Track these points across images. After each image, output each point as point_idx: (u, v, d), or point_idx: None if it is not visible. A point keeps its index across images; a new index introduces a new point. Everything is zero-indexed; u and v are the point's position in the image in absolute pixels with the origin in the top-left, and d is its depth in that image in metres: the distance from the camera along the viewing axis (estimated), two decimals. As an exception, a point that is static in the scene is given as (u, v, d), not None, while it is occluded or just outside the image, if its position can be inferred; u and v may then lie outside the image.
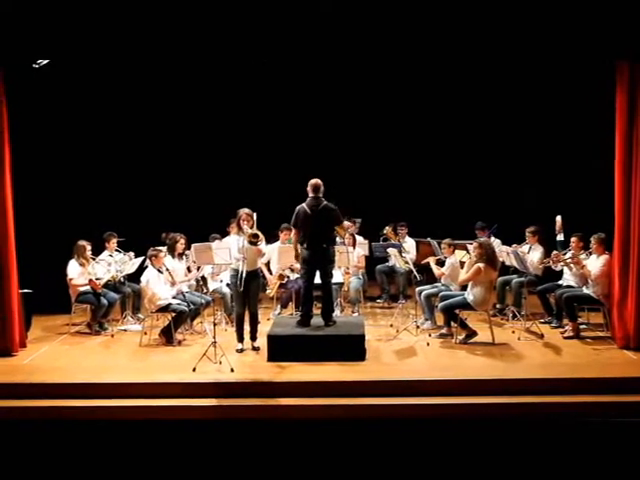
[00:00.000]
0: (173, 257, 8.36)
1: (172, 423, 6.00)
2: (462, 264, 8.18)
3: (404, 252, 8.78)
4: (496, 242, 9.13)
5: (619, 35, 7.07)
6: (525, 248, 8.84)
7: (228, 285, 8.33)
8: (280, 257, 8.73)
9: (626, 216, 7.31)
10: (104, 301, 8.28)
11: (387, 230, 9.49)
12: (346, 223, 8.27)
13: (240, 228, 7.30)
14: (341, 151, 11.01)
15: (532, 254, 8.73)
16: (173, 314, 7.84)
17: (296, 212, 7.49)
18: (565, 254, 8.28)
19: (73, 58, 8.18)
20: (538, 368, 6.84)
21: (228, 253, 7.49)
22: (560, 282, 8.39)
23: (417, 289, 8.54)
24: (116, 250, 8.85)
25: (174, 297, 8.01)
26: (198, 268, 8.39)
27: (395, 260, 8.92)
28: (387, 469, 5.39)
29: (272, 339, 7.17)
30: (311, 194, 7.46)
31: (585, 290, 7.99)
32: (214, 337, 7.03)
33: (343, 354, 7.02)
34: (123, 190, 10.54)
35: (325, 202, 7.43)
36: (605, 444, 5.59)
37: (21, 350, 7.55)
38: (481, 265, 7.63)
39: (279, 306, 9.08)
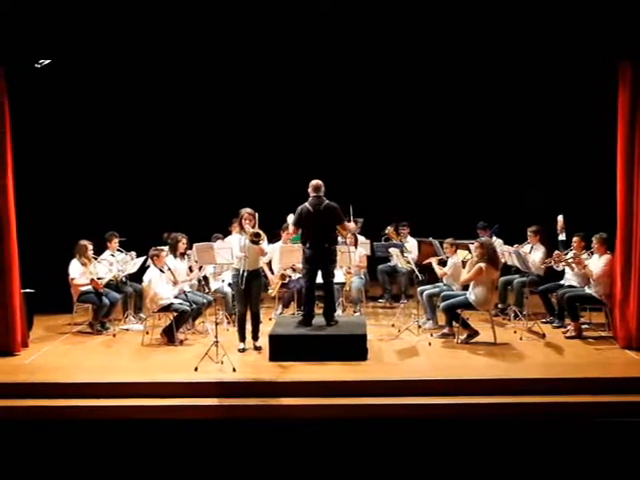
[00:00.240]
0: (175, 257, 8.36)
1: (174, 423, 6.00)
2: (464, 264, 8.18)
3: (406, 252, 8.78)
4: (498, 242, 9.13)
5: (621, 35, 7.06)
6: (527, 248, 8.84)
7: (230, 285, 8.34)
8: (282, 257, 8.73)
9: (628, 216, 7.31)
10: (106, 301, 8.28)
11: (389, 230, 9.48)
12: (351, 225, 8.26)
13: (242, 227, 7.31)
14: (343, 151, 11.01)
15: (534, 254, 8.73)
16: (175, 314, 7.84)
17: (299, 211, 7.49)
18: (567, 254, 8.27)
19: (75, 57, 8.17)
20: (540, 368, 6.84)
21: (230, 253, 7.49)
22: (562, 282, 8.39)
23: (419, 289, 8.53)
24: (118, 250, 8.87)
25: (176, 297, 8.01)
26: (200, 268, 8.40)
27: (397, 260, 8.92)
28: (390, 469, 5.38)
29: (274, 339, 7.17)
30: (312, 194, 7.47)
31: (587, 290, 7.98)
32: (216, 337, 7.03)
33: (345, 354, 7.02)
34: (125, 190, 10.56)
35: (327, 201, 7.45)
36: (607, 444, 5.58)
37: (23, 350, 7.55)
38: (482, 265, 7.62)
39: (281, 306, 9.08)
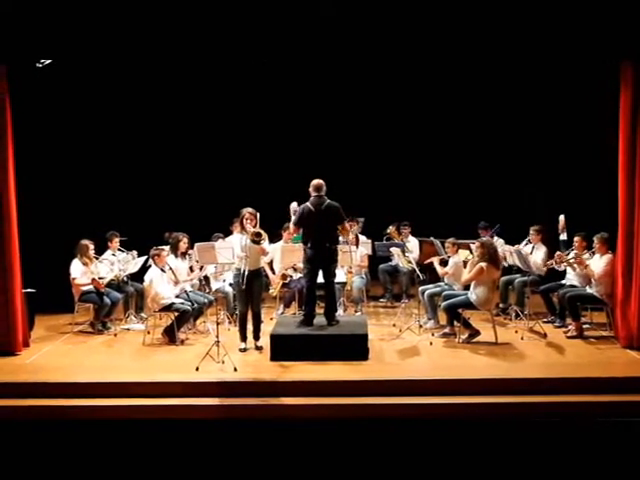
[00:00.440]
0: (176, 256, 8.37)
1: (175, 422, 6.00)
2: (465, 264, 8.18)
3: (407, 251, 8.77)
4: (499, 242, 9.13)
5: (623, 35, 7.06)
6: (528, 248, 8.83)
7: (231, 284, 8.34)
8: (283, 256, 8.73)
9: (629, 216, 7.30)
10: (107, 300, 8.28)
11: (390, 229, 9.47)
12: (346, 225, 8.23)
13: (243, 227, 7.31)
14: (344, 151, 11.01)
15: (535, 254, 8.72)
16: (176, 313, 7.84)
17: (300, 211, 7.49)
18: (568, 254, 8.27)
19: (77, 57, 8.18)
20: (541, 368, 6.83)
21: (231, 252, 7.49)
22: (563, 281, 8.38)
23: (420, 288, 8.52)
24: (119, 249, 8.88)
25: (177, 296, 8.02)
26: (201, 267, 8.40)
27: (398, 259, 8.92)
28: (391, 469, 5.38)
29: (275, 338, 7.17)
30: (314, 193, 7.47)
31: (588, 290, 7.98)
32: (217, 336, 7.02)
33: (346, 353, 7.02)
34: (126, 189, 10.56)
35: (328, 200, 7.44)
36: (609, 444, 5.58)
37: (24, 349, 7.56)
38: (483, 265, 7.62)
39: (282, 305, 9.08)
